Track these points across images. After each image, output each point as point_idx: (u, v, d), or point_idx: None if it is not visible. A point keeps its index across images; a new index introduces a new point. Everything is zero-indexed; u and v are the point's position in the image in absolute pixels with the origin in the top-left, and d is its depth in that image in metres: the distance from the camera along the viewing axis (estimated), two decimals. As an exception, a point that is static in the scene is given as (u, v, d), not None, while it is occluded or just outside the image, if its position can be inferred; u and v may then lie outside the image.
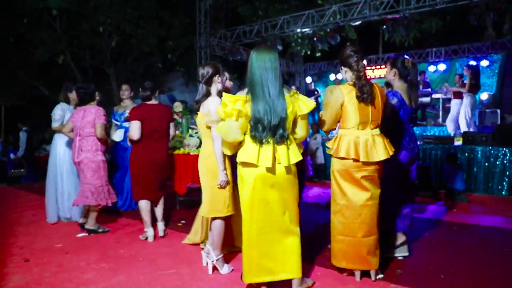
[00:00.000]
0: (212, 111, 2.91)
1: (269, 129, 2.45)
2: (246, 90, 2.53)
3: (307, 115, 2.63)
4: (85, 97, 4.18)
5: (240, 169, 2.59)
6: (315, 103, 2.59)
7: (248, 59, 2.56)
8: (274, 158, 2.49)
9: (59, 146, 4.62)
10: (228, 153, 2.72)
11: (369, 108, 2.75)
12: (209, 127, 2.95)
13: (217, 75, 3.08)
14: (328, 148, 2.91)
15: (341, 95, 2.76)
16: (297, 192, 2.65)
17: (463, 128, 7.98)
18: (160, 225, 4.03)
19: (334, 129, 2.98)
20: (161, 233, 4.00)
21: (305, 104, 2.53)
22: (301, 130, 2.60)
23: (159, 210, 4.02)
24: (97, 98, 4.25)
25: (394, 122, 3.17)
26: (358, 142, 2.74)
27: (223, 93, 2.62)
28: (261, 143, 2.47)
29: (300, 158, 2.55)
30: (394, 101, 3.16)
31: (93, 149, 4.09)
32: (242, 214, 2.64)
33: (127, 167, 5.22)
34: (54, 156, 4.65)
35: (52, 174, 4.64)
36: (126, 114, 4.42)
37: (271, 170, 2.50)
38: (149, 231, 3.93)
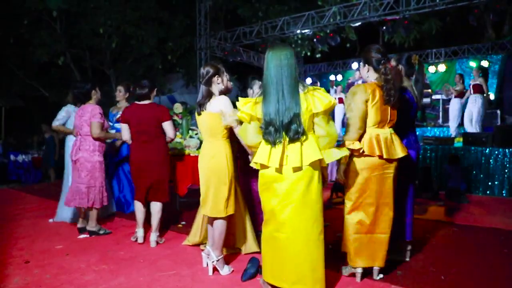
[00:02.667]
0: (226, 111, 2.91)
1: (282, 128, 2.39)
2: (261, 90, 2.51)
3: (328, 114, 2.43)
4: (79, 96, 4.16)
5: (260, 171, 2.55)
6: (332, 100, 2.39)
7: (264, 58, 2.51)
8: (284, 158, 2.40)
9: (70, 147, 4.63)
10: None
11: (389, 107, 2.76)
12: (224, 128, 2.98)
13: (216, 76, 3.04)
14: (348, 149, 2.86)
15: (365, 92, 2.73)
16: (319, 195, 2.47)
17: (476, 129, 7.94)
18: (153, 236, 3.77)
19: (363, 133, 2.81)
20: (152, 244, 3.74)
21: (320, 101, 2.37)
22: (321, 129, 2.43)
23: (154, 220, 3.79)
24: (94, 96, 4.18)
25: (404, 121, 3.12)
26: (379, 139, 2.74)
27: (239, 98, 2.60)
28: (274, 143, 2.43)
29: (319, 157, 2.38)
30: (404, 98, 3.10)
31: (91, 149, 4.06)
32: (264, 215, 2.59)
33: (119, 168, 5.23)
34: (68, 158, 4.64)
35: (67, 176, 4.65)
36: (118, 115, 4.37)
37: (284, 171, 2.42)
38: (139, 232, 3.84)
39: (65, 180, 4.70)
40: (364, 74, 2.90)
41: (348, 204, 2.88)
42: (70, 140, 4.65)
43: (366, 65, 2.86)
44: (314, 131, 2.46)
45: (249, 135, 2.57)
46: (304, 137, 2.40)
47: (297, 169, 2.40)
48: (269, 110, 2.41)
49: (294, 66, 2.42)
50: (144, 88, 3.75)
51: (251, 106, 2.51)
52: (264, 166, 2.50)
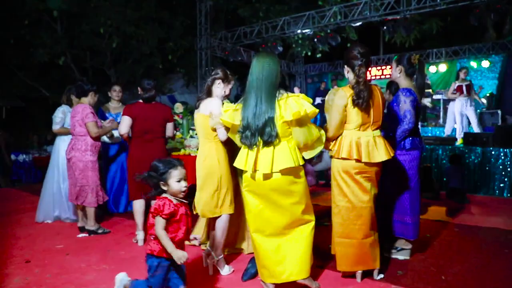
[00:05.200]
0: (216, 113, 2.93)
1: (257, 132, 2.44)
2: (243, 96, 2.58)
3: (304, 121, 2.47)
4: (78, 90, 4.23)
5: (243, 173, 2.62)
6: (306, 109, 2.39)
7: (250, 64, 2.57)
8: (258, 164, 2.48)
9: (62, 148, 4.63)
10: None
11: (371, 109, 2.74)
12: (214, 129, 2.99)
13: (220, 80, 3.10)
14: (330, 150, 2.89)
15: (344, 97, 2.72)
16: (299, 197, 2.55)
17: (477, 129, 7.87)
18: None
19: (341, 134, 2.83)
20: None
21: (290, 109, 2.39)
22: (297, 137, 2.49)
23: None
24: (89, 98, 4.18)
25: (411, 121, 3.11)
26: (359, 142, 2.72)
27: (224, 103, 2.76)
28: (250, 147, 2.49)
29: (290, 164, 2.42)
30: (410, 98, 3.11)
31: (82, 148, 4.08)
32: (246, 215, 2.69)
33: (120, 168, 5.21)
34: (55, 158, 4.70)
35: (52, 175, 4.68)
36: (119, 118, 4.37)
37: (259, 175, 2.49)
38: (139, 235, 3.83)
39: (48, 180, 4.73)
40: (346, 75, 2.86)
41: (332, 206, 2.89)
42: (62, 141, 4.67)
43: (346, 66, 2.83)
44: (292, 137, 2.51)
45: (236, 141, 2.69)
46: (278, 141, 2.45)
47: (269, 175, 2.46)
48: (247, 114, 2.48)
49: (275, 74, 2.48)
50: (151, 91, 3.80)
51: (230, 114, 2.61)
52: (243, 170, 2.59)
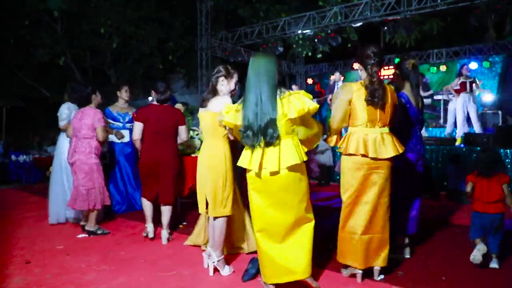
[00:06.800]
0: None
1: (260, 132, 2.45)
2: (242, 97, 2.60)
3: (307, 117, 2.54)
4: (80, 100, 4.20)
5: (247, 172, 2.64)
6: (309, 105, 2.43)
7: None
8: (264, 162, 2.49)
9: (65, 146, 4.57)
10: None
11: (378, 107, 2.76)
12: (223, 126, 3.00)
13: (223, 77, 3.13)
14: (338, 148, 2.93)
15: (350, 92, 2.77)
16: (302, 194, 2.59)
17: (477, 129, 7.82)
18: (164, 233, 3.86)
19: (344, 127, 2.92)
20: (164, 241, 3.84)
21: (294, 107, 2.43)
22: (298, 132, 2.56)
23: (165, 218, 3.87)
24: (95, 101, 4.17)
25: (400, 124, 3.15)
26: (367, 139, 2.75)
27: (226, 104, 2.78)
28: (252, 147, 2.49)
29: (296, 161, 2.46)
30: (400, 103, 3.15)
31: (87, 151, 4.06)
32: (251, 214, 2.69)
33: (126, 169, 5.22)
34: (59, 156, 4.66)
35: (57, 174, 4.64)
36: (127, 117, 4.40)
37: (265, 173, 2.51)
38: (149, 227, 3.89)
39: (53, 180, 4.68)
40: (358, 73, 2.94)
41: (343, 202, 2.90)
42: (65, 139, 4.60)
43: (358, 64, 2.90)
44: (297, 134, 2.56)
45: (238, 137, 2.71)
46: (282, 140, 2.46)
47: (276, 172, 2.48)
48: (248, 114, 2.49)
49: (273, 73, 2.50)
50: (166, 93, 3.85)
51: (232, 114, 2.61)
52: (248, 169, 2.59)
